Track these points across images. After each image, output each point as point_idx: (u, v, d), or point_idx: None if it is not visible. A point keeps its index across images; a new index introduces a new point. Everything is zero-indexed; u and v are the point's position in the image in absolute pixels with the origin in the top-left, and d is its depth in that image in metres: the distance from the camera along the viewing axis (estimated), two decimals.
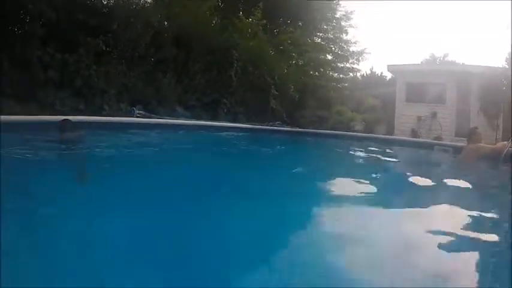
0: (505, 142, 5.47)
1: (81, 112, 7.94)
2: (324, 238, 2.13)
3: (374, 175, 4.65)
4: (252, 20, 13.07)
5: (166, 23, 10.84)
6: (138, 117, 8.72)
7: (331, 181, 3.93)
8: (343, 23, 18.56)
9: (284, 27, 16.42)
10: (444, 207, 2.94)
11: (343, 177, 4.14)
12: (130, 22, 9.39)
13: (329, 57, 19.07)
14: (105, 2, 9.49)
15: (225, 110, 11.66)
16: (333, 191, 3.53)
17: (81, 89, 8.47)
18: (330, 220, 2.45)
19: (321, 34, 18.72)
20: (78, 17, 8.53)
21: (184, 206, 2.50)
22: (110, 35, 9.01)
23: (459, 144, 7.98)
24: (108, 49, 9.04)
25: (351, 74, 20.67)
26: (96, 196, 2.60)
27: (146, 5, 10.51)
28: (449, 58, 30.19)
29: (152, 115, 9.07)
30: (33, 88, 7.63)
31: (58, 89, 8.08)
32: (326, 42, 18.80)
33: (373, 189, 3.60)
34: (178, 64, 10.56)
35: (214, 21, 12.16)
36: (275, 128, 11.93)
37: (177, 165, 4.26)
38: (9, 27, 8.04)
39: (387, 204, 2.93)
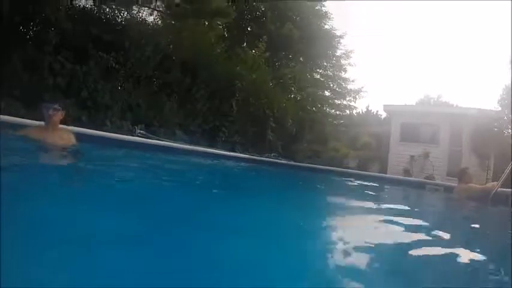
0: (494, 183, 5.68)
1: (83, 124, 8.05)
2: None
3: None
4: (256, 52, 13.46)
5: (171, 46, 11.10)
6: (139, 136, 8.87)
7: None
8: (342, 61, 19.14)
9: (285, 61, 16.89)
10: None
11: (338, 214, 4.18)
12: (141, 43, 9.66)
13: (327, 93, 19.57)
14: (119, 20, 9.80)
15: (223, 138, 11.80)
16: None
17: (86, 101, 8.62)
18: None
19: (320, 70, 19.26)
20: (93, 31, 8.82)
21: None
22: (121, 53, 9.26)
23: (450, 183, 8.17)
24: (117, 66, 9.24)
25: (347, 111, 21.10)
26: None
27: (157, 28, 10.85)
28: (443, 99, 31.07)
29: (152, 136, 9.21)
30: (40, 93, 7.77)
31: (64, 97, 8.18)
32: (325, 79, 19.32)
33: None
34: (182, 89, 10.77)
35: (219, 50, 12.49)
36: (271, 160, 12.10)
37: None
38: (25, 30, 8.27)
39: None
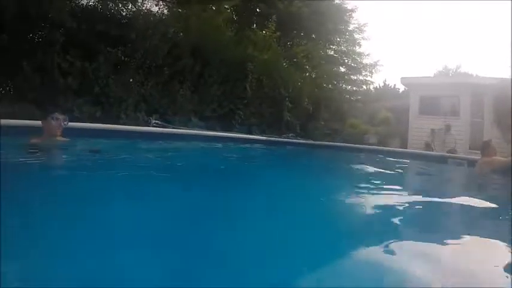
0: None
1: (98, 119, 8.17)
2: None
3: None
4: (266, 33, 13.24)
5: (180, 34, 11.00)
6: (154, 126, 8.91)
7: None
8: (356, 36, 18.63)
9: (297, 39, 16.55)
10: None
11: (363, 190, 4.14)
12: (148, 33, 9.60)
13: (342, 69, 19.17)
14: (124, 14, 9.74)
15: (239, 121, 11.77)
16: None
17: (99, 96, 8.70)
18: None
19: (334, 47, 18.81)
20: (98, 27, 8.79)
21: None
22: (128, 45, 9.24)
23: (473, 157, 7.96)
24: (126, 59, 9.24)
25: (364, 87, 20.65)
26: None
27: (163, 17, 10.75)
28: (462, 69, 30.19)
29: (168, 125, 9.24)
30: (53, 94, 7.87)
31: (77, 95, 8.32)
32: (339, 55, 18.88)
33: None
34: (194, 75, 10.71)
35: (229, 34, 12.34)
36: (289, 140, 12.03)
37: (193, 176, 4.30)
38: (31, 35, 8.31)
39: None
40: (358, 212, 3.06)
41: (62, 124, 4.61)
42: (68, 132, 4.96)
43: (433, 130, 14.76)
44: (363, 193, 3.96)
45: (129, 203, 2.62)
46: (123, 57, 9.18)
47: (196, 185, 3.62)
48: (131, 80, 9.33)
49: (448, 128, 14.51)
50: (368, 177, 5.77)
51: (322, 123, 15.52)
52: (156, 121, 9.12)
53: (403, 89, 22.21)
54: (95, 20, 8.86)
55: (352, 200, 3.59)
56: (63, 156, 4.72)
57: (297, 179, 4.77)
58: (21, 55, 7.79)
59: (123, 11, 9.82)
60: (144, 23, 9.72)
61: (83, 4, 9.47)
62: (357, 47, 18.91)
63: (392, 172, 6.70)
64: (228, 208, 2.78)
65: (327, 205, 3.17)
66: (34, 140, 4.42)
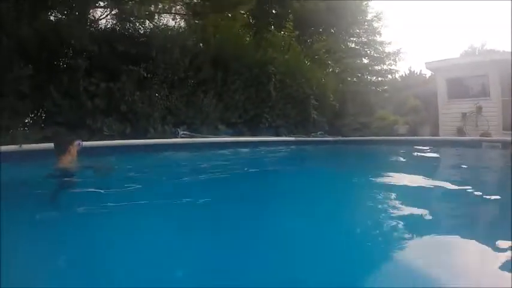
0: None
1: (127, 136, 8.39)
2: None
3: None
4: (284, 33, 13.17)
5: (201, 45, 11.09)
6: (182, 137, 8.98)
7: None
8: (375, 25, 18.31)
9: (316, 36, 16.39)
10: None
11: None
12: (167, 48, 9.72)
13: (365, 61, 18.87)
14: (142, 32, 9.90)
15: (266, 124, 11.75)
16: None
17: (126, 114, 8.90)
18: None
19: (354, 39, 18.56)
20: (119, 48, 8.99)
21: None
22: (150, 62, 9.39)
23: (508, 138, 7.65)
24: (149, 75, 9.38)
25: (390, 76, 20.25)
26: None
27: (181, 30, 10.87)
28: (488, 47, 29.08)
29: (196, 135, 9.31)
30: (81, 116, 8.15)
31: (105, 115, 8.54)
32: (360, 46, 18.62)
33: None
34: (217, 84, 10.79)
35: (247, 39, 12.34)
36: (318, 138, 11.91)
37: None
38: (55, 62, 8.56)
39: None
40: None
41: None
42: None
43: (464, 114, 14.23)
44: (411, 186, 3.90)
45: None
46: (145, 74, 9.32)
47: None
48: (156, 95, 9.42)
49: (479, 109, 13.95)
50: (407, 168, 5.67)
51: (351, 118, 15.27)
52: (184, 132, 9.19)
53: (429, 74, 21.62)
54: (114, 41, 9.07)
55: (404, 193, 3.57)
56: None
57: (344, 177, 4.79)
58: (48, 82, 8.04)
59: (140, 30, 9.98)
60: (162, 38, 9.84)
61: (101, 27, 9.72)
62: (378, 36, 18.61)
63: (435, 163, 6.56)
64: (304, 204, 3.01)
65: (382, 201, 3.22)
66: (62, 165, 4.40)
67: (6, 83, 7.37)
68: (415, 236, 2.22)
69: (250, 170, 5.70)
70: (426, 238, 2.24)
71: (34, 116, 8.20)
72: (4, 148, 5.52)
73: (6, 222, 2.16)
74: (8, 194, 2.99)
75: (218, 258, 1.87)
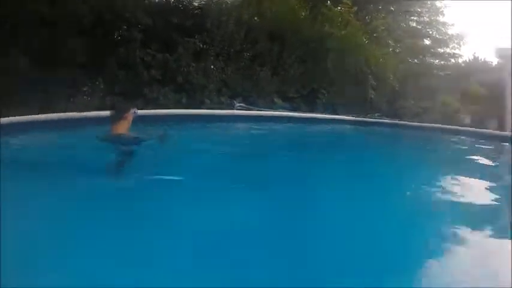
0: None
1: (183, 105, 8.41)
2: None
3: None
4: (342, 8, 12.62)
5: (256, 18, 10.92)
6: (238, 109, 8.80)
7: None
8: (438, 4, 17.19)
9: (376, 13, 15.62)
10: None
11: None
12: (222, 20, 9.59)
13: (427, 42, 17.80)
14: (196, 4, 9.83)
15: (324, 101, 11.41)
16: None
17: (182, 84, 8.92)
18: None
19: (415, 18, 17.52)
20: (173, 21, 9.03)
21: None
22: (205, 34, 9.34)
23: None
24: (205, 47, 9.38)
25: (453, 60, 18.97)
26: None
27: (236, 3, 10.72)
28: None
29: (252, 107, 9.12)
30: (139, 86, 8.23)
31: (161, 85, 8.60)
32: (422, 26, 17.56)
33: None
34: (273, 57, 10.67)
35: (303, 13, 11.95)
36: (375, 120, 11.33)
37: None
38: (110, 36, 8.70)
39: None
40: None
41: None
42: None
43: None
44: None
45: None
46: (201, 46, 9.30)
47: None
48: (212, 67, 9.35)
49: None
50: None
51: (412, 102, 14.43)
52: (240, 104, 9.04)
53: (496, 62, 20.08)
54: (168, 13, 9.15)
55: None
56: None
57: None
58: (105, 53, 8.19)
59: (195, 1, 9.92)
60: (217, 11, 9.76)
61: (155, 0, 9.76)
62: (441, 16, 17.44)
63: None
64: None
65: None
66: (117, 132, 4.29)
67: (62, 54, 7.59)
68: None
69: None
70: None
71: (92, 85, 8.31)
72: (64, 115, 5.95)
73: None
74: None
75: None
